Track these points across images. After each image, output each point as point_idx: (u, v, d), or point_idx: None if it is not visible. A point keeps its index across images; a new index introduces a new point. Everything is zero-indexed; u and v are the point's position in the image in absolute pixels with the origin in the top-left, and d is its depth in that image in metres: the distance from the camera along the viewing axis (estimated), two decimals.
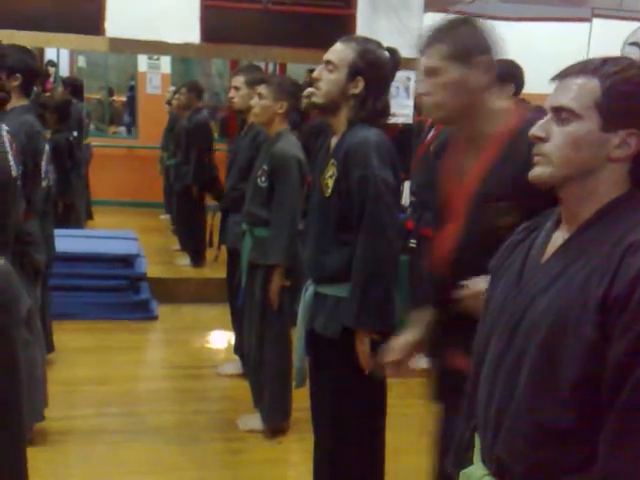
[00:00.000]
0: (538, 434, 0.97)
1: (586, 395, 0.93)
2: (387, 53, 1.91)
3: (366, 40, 1.93)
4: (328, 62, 1.89)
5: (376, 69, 1.87)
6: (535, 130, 1.02)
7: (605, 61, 0.99)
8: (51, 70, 7.59)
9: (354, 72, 1.86)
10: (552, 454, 0.96)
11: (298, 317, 2.05)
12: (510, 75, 2.71)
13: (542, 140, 1.01)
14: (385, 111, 1.93)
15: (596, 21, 5.71)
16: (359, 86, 1.87)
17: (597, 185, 0.99)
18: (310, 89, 2.07)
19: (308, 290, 2.01)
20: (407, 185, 3.74)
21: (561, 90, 1.00)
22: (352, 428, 1.96)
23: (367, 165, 1.83)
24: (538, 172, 1.02)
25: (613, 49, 5.18)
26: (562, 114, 0.99)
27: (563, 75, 1.01)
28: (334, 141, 1.95)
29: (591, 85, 0.98)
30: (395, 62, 1.92)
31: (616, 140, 0.97)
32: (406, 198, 3.75)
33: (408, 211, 3.70)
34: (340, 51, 1.88)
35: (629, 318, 0.89)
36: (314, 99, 1.92)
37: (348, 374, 1.91)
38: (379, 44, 1.92)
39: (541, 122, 1.02)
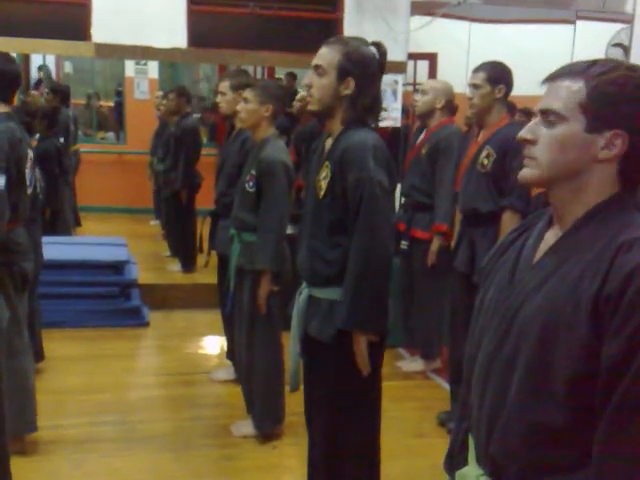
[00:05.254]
0: (532, 434, 0.97)
1: (580, 394, 0.93)
2: (373, 48, 1.91)
3: (351, 39, 1.94)
4: (317, 67, 1.90)
5: (364, 67, 1.88)
6: (523, 133, 1.02)
7: (593, 63, 1.00)
8: (41, 74, 7.55)
9: (343, 73, 1.87)
10: (546, 453, 0.96)
11: (292, 321, 2.04)
12: (501, 77, 2.75)
13: (530, 142, 1.01)
14: (374, 107, 1.92)
15: (580, 23, 5.75)
16: (350, 86, 1.88)
17: (586, 186, 0.99)
18: (302, 93, 2.06)
19: (302, 293, 2.00)
20: (398, 187, 3.75)
21: (549, 93, 1.01)
22: (347, 432, 1.96)
23: (363, 167, 1.83)
24: (525, 174, 1.03)
25: (597, 50, 5.22)
26: (549, 117, 1.00)
27: (552, 78, 1.02)
28: (329, 143, 1.95)
29: (577, 87, 0.98)
30: (381, 56, 1.92)
31: (602, 141, 0.97)
32: (396, 200, 3.76)
33: (399, 212, 3.71)
34: (327, 54, 1.89)
35: (621, 318, 0.89)
36: (310, 107, 1.93)
37: (343, 377, 1.91)
38: (364, 41, 1.93)
39: (530, 124, 1.03)
